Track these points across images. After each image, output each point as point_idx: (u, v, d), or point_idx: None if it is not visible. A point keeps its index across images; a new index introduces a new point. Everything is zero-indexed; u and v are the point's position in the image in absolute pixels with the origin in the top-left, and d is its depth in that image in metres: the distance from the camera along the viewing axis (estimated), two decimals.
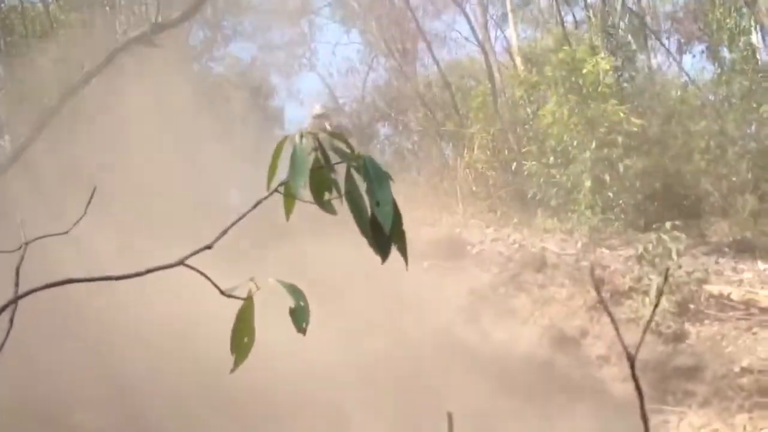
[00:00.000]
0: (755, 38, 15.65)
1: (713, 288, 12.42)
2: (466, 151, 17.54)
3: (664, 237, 12.34)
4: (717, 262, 13.33)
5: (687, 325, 12.04)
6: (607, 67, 14.47)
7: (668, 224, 12.49)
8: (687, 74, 18.25)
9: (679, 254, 12.31)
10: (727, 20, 15.60)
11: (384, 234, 1.83)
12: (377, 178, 1.83)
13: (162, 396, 8.44)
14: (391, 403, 9.34)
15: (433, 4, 21.29)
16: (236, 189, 16.24)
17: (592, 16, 17.08)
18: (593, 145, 14.03)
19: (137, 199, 10.85)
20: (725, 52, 16.33)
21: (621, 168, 14.08)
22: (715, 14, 16.01)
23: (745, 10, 15.52)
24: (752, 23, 15.61)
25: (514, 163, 16.36)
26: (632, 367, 1.49)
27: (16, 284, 1.92)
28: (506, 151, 17.05)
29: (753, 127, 15.63)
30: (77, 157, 10.51)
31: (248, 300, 1.88)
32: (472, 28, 19.18)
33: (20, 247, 2.08)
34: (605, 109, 14.14)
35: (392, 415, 9.22)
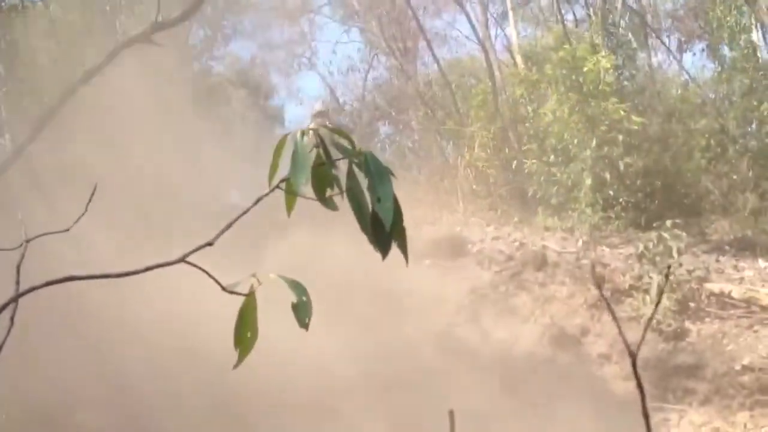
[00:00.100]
0: (756, 36, 15.63)
1: (714, 286, 12.42)
2: (466, 150, 17.53)
3: (665, 235, 12.34)
4: (718, 260, 13.34)
5: (688, 323, 12.05)
6: (608, 65, 14.46)
7: (669, 222, 12.50)
8: (687, 72, 18.25)
9: (679, 252, 12.31)
10: (728, 18, 15.57)
11: (384, 230, 1.82)
12: (378, 174, 1.83)
13: (162, 394, 8.44)
14: (391, 401, 9.35)
15: (433, 3, 21.30)
16: (236, 187, 16.26)
17: (592, 14, 17.06)
18: (594, 143, 14.02)
19: (137, 198, 10.86)
20: (726, 50, 16.31)
21: (621, 166, 14.07)
22: (715, 12, 15.99)
23: (745, 8, 15.50)
24: (753, 21, 15.59)
25: (515, 162, 16.35)
26: (634, 364, 1.49)
27: (17, 282, 1.92)
28: (507, 150, 17.04)
29: (753, 125, 15.62)
30: (77, 156, 10.51)
31: (250, 296, 1.88)
32: (473, 27, 19.18)
33: (21, 245, 2.07)
34: (606, 108, 14.13)
35: (392, 412, 9.22)
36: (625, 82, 15.95)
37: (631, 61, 16.31)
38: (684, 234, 12.55)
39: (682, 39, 19.36)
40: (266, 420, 8.73)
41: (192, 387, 8.44)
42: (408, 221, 1.89)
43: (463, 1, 19.21)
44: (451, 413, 1.91)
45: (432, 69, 21.07)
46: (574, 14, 18.98)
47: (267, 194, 1.86)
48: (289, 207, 1.90)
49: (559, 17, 18.13)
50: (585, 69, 14.33)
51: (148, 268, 1.89)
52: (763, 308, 12.05)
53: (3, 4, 13.46)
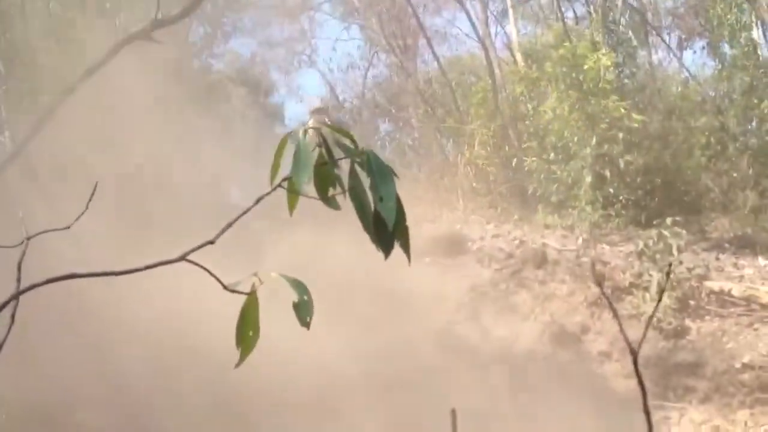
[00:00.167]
0: (756, 34, 15.62)
1: (714, 284, 12.42)
2: (466, 148, 17.53)
3: (665, 233, 12.34)
4: (718, 258, 13.33)
5: (688, 321, 12.05)
6: (608, 63, 14.45)
7: (669, 220, 12.49)
8: (688, 70, 18.24)
9: (679, 250, 12.31)
10: (728, 16, 15.56)
11: (387, 230, 1.82)
12: (381, 173, 1.82)
13: (162, 393, 8.44)
14: (392, 400, 9.34)
15: (433, 0, 21.28)
16: (236, 185, 16.25)
17: (592, 11, 17.05)
18: (594, 141, 14.02)
19: (135, 195, 10.85)
20: (726, 48, 16.29)
21: (622, 164, 14.07)
22: (716, 10, 15.97)
23: (746, 5, 15.49)
24: (753, 19, 15.58)
25: (515, 160, 16.35)
26: (635, 362, 1.49)
27: (18, 280, 1.91)
28: (507, 148, 17.03)
29: (754, 123, 15.62)
30: (77, 154, 10.50)
31: (252, 295, 1.88)
32: (473, 24, 19.17)
33: (22, 242, 2.07)
34: (606, 105, 14.13)
35: (393, 411, 9.22)
36: (626, 80, 15.95)
37: (631, 58, 16.30)
38: (684, 232, 12.55)
39: (683, 36, 19.34)
40: (267, 419, 8.73)
41: (192, 386, 8.44)
42: (408, 219, 1.88)
43: None
44: (453, 412, 1.91)
45: (432, 66, 21.08)
46: (574, 12, 18.98)
47: (269, 193, 1.85)
48: (292, 206, 1.89)
49: (559, 15, 18.13)
50: (585, 67, 14.33)
51: (148, 267, 1.88)
52: (763, 306, 12.05)
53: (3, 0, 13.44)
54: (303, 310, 1.86)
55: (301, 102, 23.03)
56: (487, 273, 13.36)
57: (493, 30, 19.71)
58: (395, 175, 1.84)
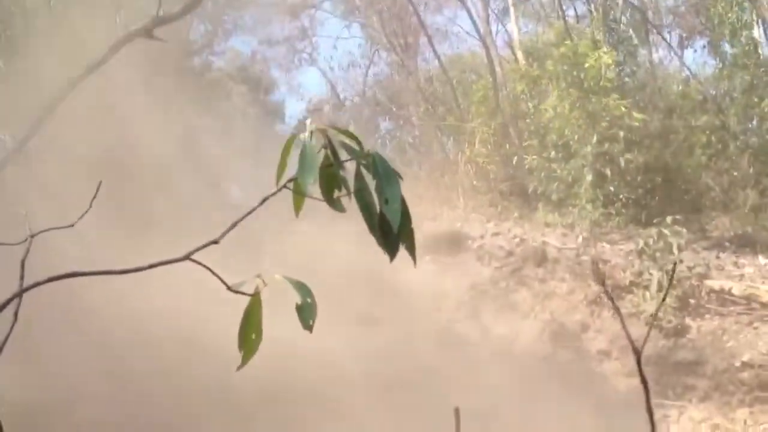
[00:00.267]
0: (757, 33, 15.61)
1: (714, 283, 12.43)
2: (467, 146, 17.53)
3: (665, 231, 12.34)
4: (718, 257, 13.34)
5: (688, 320, 12.06)
6: (609, 61, 14.44)
7: (669, 219, 12.50)
8: (688, 69, 18.22)
9: (680, 249, 12.32)
10: (729, 15, 15.55)
11: (392, 232, 1.81)
12: (386, 175, 1.82)
13: (164, 390, 8.44)
14: (392, 399, 9.35)
15: None
16: (236, 183, 16.25)
17: (593, 10, 17.05)
18: (594, 139, 14.02)
19: (136, 192, 10.85)
20: (727, 47, 16.27)
21: (622, 162, 14.07)
22: (716, 8, 15.96)
23: (746, 4, 15.48)
24: (754, 17, 15.57)
25: (515, 158, 16.35)
26: (638, 361, 1.49)
27: (21, 277, 1.91)
28: (507, 146, 17.03)
29: (754, 122, 15.62)
30: (77, 151, 10.50)
31: (255, 296, 1.86)
32: (474, 23, 19.15)
33: (25, 240, 2.06)
34: (607, 104, 14.13)
35: (394, 410, 9.22)
36: (626, 79, 15.95)
37: (632, 57, 16.30)
38: (684, 230, 12.55)
39: (684, 35, 19.32)
40: (268, 416, 8.74)
41: (194, 383, 8.45)
42: None
43: None
44: (457, 410, 1.91)
45: (433, 65, 21.07)
46: (575, 10, 18.97)
47: (274, 194, 1.84)
48: (297, 207, 1.88)
49: (560, 13, 18.11)
50: (586, 65, 14.33)
51: (152, 265, 1.87)
52: (763, 305, 12.05)
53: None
54: (306, 313, 1.85)
55: (302, 100, 23.06)
56: (487, 271, 13.37)
57: (494, 28, 19.73)
58: (400, 177, 1.84)
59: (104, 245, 8.64)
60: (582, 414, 9.83)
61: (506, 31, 20.33)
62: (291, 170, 1.83)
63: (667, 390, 11.34)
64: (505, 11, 20.22)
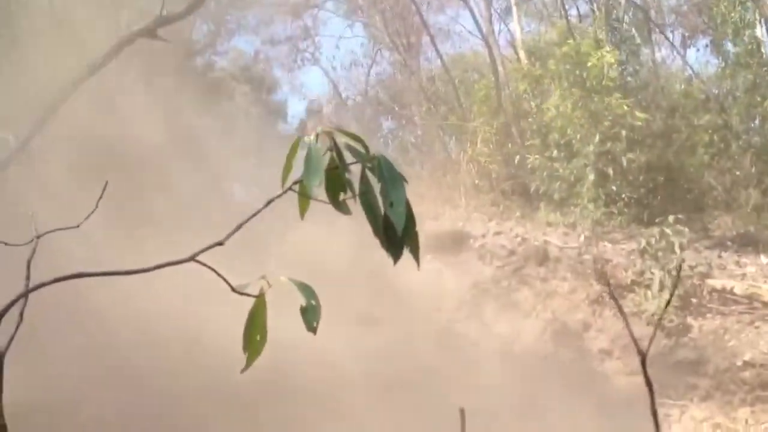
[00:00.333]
0: (760, 32, 15.59)
1: (716, 282, 12.43)
2: (469, 145, 17.53)
3: (667, 231, 12.35)
4: (720, 256, 13.34)
5: (689, 319, 12.06)
6: (612, 60, 14.44)
7: (671, 218, 12.50)
8: (691, 68, 18.22)
9: (682, 248, 12.32)
10: (732, 14, 15.53)
11: (396, 235, 1.82)
12: (391, 178, 1.82)
13: (168, 391, 8.46)
14: (393, 399, 9.36)
15: None
16: (238, 182, 16.28)
17: (596, 9, 17.04)
18: (597, 138, 14.02)
19: (139, 192, 10.87)
20: (729, 46, 16.26)
21: (624, 162, 14.07)
22: (719, 8, 15.94)
23: (749, 3, 15.46)
24: (757, 16, 15.55)
25: (518, 157, 16.35)
26: (643, 364, 1.48)
27: (27, 278, 1.92)
28: (509, 145, 17.03)
29: (757, 121, 15.60)
30: (80, 151, 10.52)
31: (260, 298, 1.86)
32: (476, 22, 19.15)
33: (31, 241, 2.07)
34: (609, 103, 14.13)
35: (395, 409, 9.24)
36: (629, 78, 15.93)
37: (634, 56, 16.28)
38: (686, 230, 12.56)
39: (686, 34, 19.30)
40: (271, 416, 8.75)
41: (198, 384, 8.46)
42: None
43: None
44: (462, 411, 1.92)
45: (435, 64, 21.06)
46: (577, 9, 18.98)
47: (279, 195, 1.84)
48: (302, 210, 1.88)
49: (562, 12, 18.09)
50: (589, 64, 14.33)
51: (158, 266, 1.88)
52: (765, 304, 12.06)
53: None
54: (311, 315, 1.85)
55: (304, 99, 23.07)
56: (489, 270, 13.38)
57: (496, 27, 19.73)
58: (405, 180, 1.84)
59: (108, 245, 8.66)
60: (583, 413, 9.84)
61: (509, 30, 20.34)
62: (296, 172, 1.83)
63: (669, 389, 11.34)
64: (507, 10, 20.21)
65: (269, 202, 1.84)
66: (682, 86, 17.18)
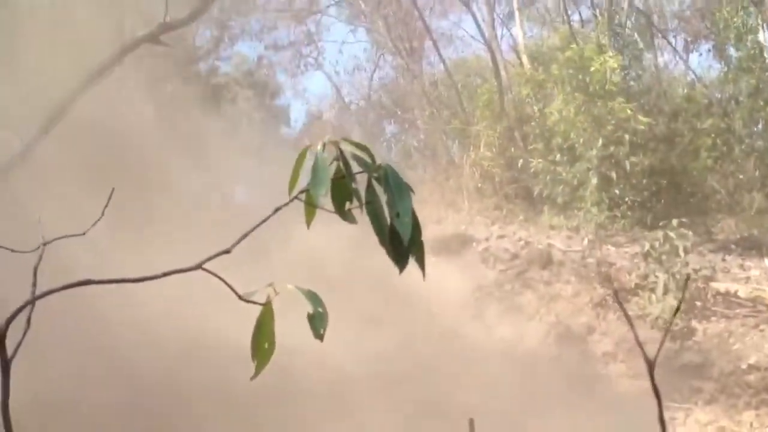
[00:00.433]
0: (762, 36, 15.60)
1: (720, 285, 12.42)
2: (472, 149, 17.56)
3: (671, 234, 12.34)
4: (724, 260, 13.34)
5: (694, 323, 12.05)
6: (615, 65, 14.46)
7: (675, 221, 12.49)
8: (694, 72, 18.26)
9: (685, 251, 12.31)
10: (734, 18, 15.55)
11: (402, 244, 1.82)
12: (398, 189, 1.83)
13: (173, 394, 8.47)
14: (393, 398, 9.36)
15: (440, 3, 21.35)
16: (242, 186, 16.30)
17: (598, 14, 17.07)
18: (600, 142, 14.03)
19: (143, 197, 10.88)
20: (732, 51, 16.28)
21: (628, 165, 14.08)
22: (722, 13, 15.96)
23: (752, 8, 15.47)
24: (759, 22, 15.56)
25: (520, 161, 16.37)
26: (651, 372, 1.48)
27: (34, 284, 1.93)
28: (512, 149, 17.06)
29: (760, 125, 15.61)
30: (83, 155, 10.54)
31: (267, 305, 1.86)
32: (479, 27, 19.21)
33: (38, 248, 2.08)
34: (612, 107, 14.14)
35: (395, 409, 9.23)
36: (632, 82, 15.95)
37: (637, 61, 16.30)
38: (690, 233, 12.54)
39: (689, 39, 19.35)
40: (272, 417, 8.76)
41: (202, 387, 8.47)
42: None
43: (469, 2, 19.24)
44: (471, 422, 1.93)
45: (438, 69, 21.12)
46: (580, 15, 19.02)
47: (286, 204, 1.85)
48: (309, 219, 1.89)
49: (565, 17, 18.15)
50: (591, 69, 14.34)
51: (165, 274, 1.89)
52: None
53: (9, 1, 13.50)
54: (318, 322, 1.86)
55: (307, 104, 23.14)
56: (492, 274, 13.39)
57: (499, 32, 19.78)
58: (412, 191, 1.85)
59: (114, 249, 8.69)
60: (587, 416, 9.82)
61: (511, 35, 20.41)
62: (302, 180, 1.84)
63: (674, 392, 11.32)
64: (510, 15, 20.27)
65: (276, 210, 1.85)
66: (685, 90, 17.22)
